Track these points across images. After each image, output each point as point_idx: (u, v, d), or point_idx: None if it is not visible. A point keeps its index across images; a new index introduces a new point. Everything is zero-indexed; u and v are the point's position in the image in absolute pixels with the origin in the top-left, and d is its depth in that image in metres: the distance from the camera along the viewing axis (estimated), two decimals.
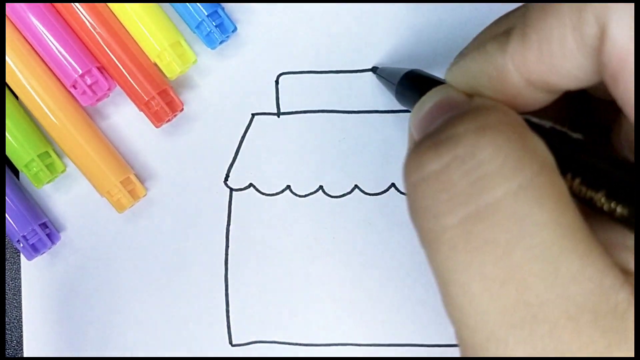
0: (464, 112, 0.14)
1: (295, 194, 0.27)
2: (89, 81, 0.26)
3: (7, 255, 0.28)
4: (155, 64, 0.26)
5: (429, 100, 0.16)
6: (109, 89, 0.26)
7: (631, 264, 0.12)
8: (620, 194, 0.12)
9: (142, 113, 0.26)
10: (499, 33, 0.15)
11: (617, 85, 0.12)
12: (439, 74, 0.26)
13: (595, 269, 0.12)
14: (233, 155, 0.27)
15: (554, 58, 0.13)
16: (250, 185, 0.27)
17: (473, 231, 0.12)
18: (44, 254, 0.28)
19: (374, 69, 0.26)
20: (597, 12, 0.12)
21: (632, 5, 0.11)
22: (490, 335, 0.12)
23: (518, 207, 0.12)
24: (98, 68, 0.26)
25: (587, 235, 0.12)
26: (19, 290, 0.28)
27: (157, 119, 0.26)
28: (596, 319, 0.11)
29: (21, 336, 0.28)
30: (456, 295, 0.12)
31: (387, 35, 0.26)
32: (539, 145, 0.13)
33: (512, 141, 0.12)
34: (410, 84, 0.20)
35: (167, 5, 0.26)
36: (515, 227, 0.12)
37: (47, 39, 0.25)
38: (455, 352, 0.26)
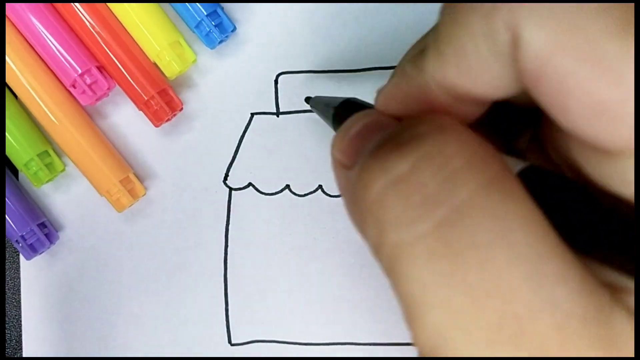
0: (419, 118, 0.13)
1: (295, 194, 0.27)
2: (88, 80, 0.26)
3: (7, 255, 0.28)
4: (155, 64, 0.26)
5: (357, 123, 0.15)
6: (108, 89, 0.26)
7: (607, 276, 0.11)
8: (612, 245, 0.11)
9: (141, 112, 0.26)
10: (415, 54, 0.14)
11: (539, 90, 0.11)
12: None
13: (576, 270, 0.11)
14: (232, 154, 0.27)
15: (472, 70, 0.12)
16: (250, 184, 0.27)
17: (451, 235, 0.11)
18: (43, 254, 0.28)
19: (307, 99, 0.25)
20: (507, 17, 0.11)
21: (545, 4, 0.11)
22: (475, 356, 0.11)
23: (492, 201, 0.11)
24: (97, 67, 0.26)
25: (558, 235, 0.11)
26: (18, 290, 0.28)
27: (157, 118, 0.26)
28: (584, 326, 0.10)
29: (20, 336, 0.28)
30: (433, 315, 0.11)
31: (387, 35, 0.26)
32: (492, 147, 0.12)
33: (473, 138, 0.12)
34: (348, 113, 0.19)
35: (166, 4, 0.26)
36: (494, 224, 0.11)
37: (46, 39, 0.25)
38: None
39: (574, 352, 0.10)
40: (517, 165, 0.12)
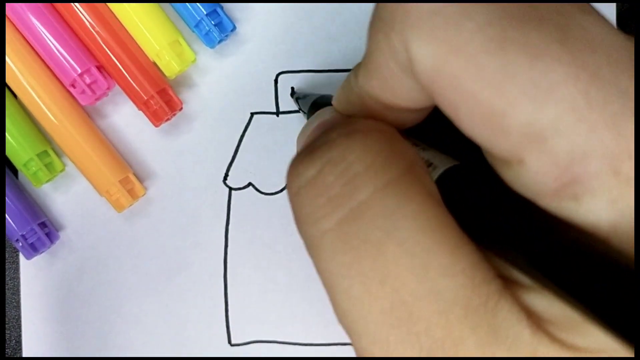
0: (337, 122, 0.14)
1: None
2: (88, 80, 0.26)
3: (6, 255, 0.28)
4: (154, 63, 0.26)
5: (315, 120, 0.16)
6: (108, 88, 0.26)
7: (509, 271, 0.12)
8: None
9: (141, 112, 0.26)
10: (357, 64, 0.15)
11: (437, 102, 0.12)
12: None
13: (467, 263, 0.12)
14: (232, 154, 0.27)
15: (387, 83, 0.13)
16: (250, 184, 0.27)
17: (349, 232, 0.12)
18: (43, 253, 0.28)
19: (292, 93, 0.26)
20: (400, 37, 0.12)
21: (430, 23, 0.11)
22: (373, 338, 0.12)
23: (386, 203, 0.12)
24: (97, 67, 0.26)
25: (457, 231, 0.12)
26: (18, 290, 0.28)
27: (156, 118, 0.26)
28: (466, 314, 0.11)
29: (20, 336, 0.28)
30: (340, 300, 0.12)
31: None
32: (407, 148, 0.13)
33: (381, 143, 0.13)
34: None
35: (166, 4, 0.26)
36: (385, 222, 0.12)
37: (46, 38, 0.25)
38: None
39: (458, 335, 0.11)
40: (444, 165, 0.14)
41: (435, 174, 0.14)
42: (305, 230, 0.13)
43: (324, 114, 0.16)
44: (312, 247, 0.13)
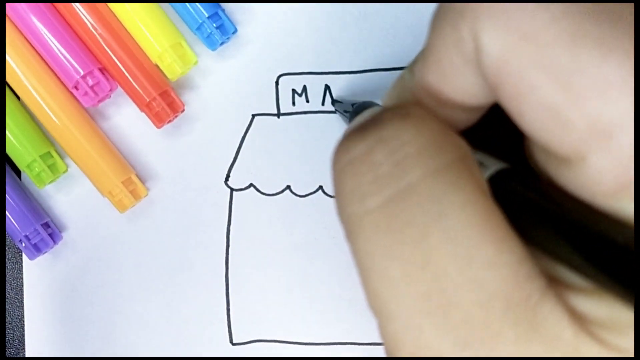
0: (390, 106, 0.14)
1: (295, 194, 0.27)
2: (90, 82, 0.26)
3: (9, 255, 0.29)
4: (157, 65, 0.26)
5: (362, 118, 0.16)
6: (110, 90, 0.26)
7: (557, 271, 0.12)
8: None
9: (143, 114, 0.27)
10: (412, 60, 0.15)
11: (499, 95, 0.12)
12: None
13: (512, 257, 0.11)
14: (233, 155, 0.28)
15: (448, 77, 0.13)
16: (251, 185, 0.27)
17: (394, 213, 0.12)
18: (46, 254, 0.28)
19: (333, 102, 0.27)
20: (470, 26, 0.12)
21: (502, 11, 0.11)
22: (406, 323, 0.12)
23: (435, 188, 0.12)
24: (100, 69, 0.26)
25: (504, 225, 0.12)
26: (21, 290, 0.29)
27: (159, 119, 0.26)
28: (507, 308, 0.11)
29: (23, 335, 0.29)
30: (376, 281, 0.12)
31: (387, 37, 0.27)
32: (459, 140, 0.13)
33: (434, 128, 0.13)
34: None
35: (167, 6, 0.27)
36: (432, 208, 0.12)
37: (49, 41, 0.26)
38: None
39: (497, 329, 0.11)
40: (496, 166, 0.13)
41: (486, 174, 0.13)
42: (347, 208, 0.13)
43: (373, 112, 0.16)
44: (351, 225, 0.13)
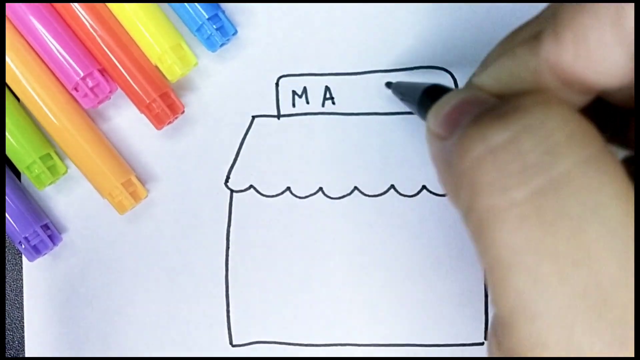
0: (524, 92, 0.13)
1: (295, 196, 0.27)
2: (90, 84, 0.26)
3: (9, 257, 0.29)
4: (157, 67, 0.26)
5: (455, 97, 0.15)
6: (110, 92, 0.26)
7: None
8: None
9: (143, 115, 0.27)
10: (526, 37, 0.14)
11: None
12: (439, 75, 0.26)
13: None
14: (233, 157, 0.27)
15: (592, 55, 0.12)
16: (251, 186, 0.27)
17: (545, 204, 0.11)
18: (46, 255, 0.28)
19: (388, 84, 0.26)
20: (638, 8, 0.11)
21: None
22: (554, 322, 0.11)
23: (589, 177, 0.11)
24: (99, 71, 0.26)
25: None
26: (21, 291, 0.29)
27: (158, 121, 0.26)
28: None
29: (23, 337, 0.29)
30: (519, 278, 0.11)
31: (388, 38, 0.27)
32: (596, 129, 0.12)
33: (576, 115, 0.12)
34: (433, 97, 0.20)
35: (167, 7, 0.27)
36: (589, 198, 0.11)
37: (48, 42, 0.25)
38: (453, 352, 0.27)
39: None
40: (620, 153, 0.13)
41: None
42: (484, 201, 0.12)
43: (463, 92, 0.15)
44: (488, 220, 0.12)
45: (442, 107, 0.15)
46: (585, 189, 0.11)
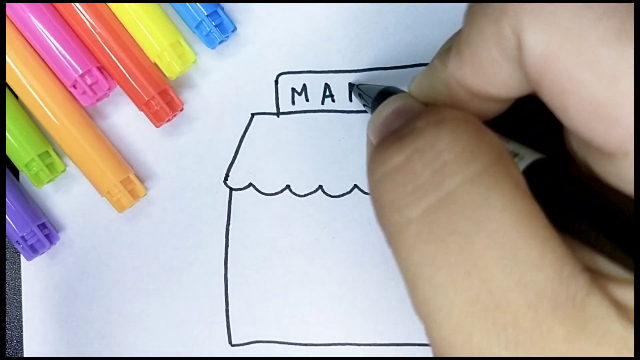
0: (423, 110, 0.14)
1: (295, 194, 0.27)
2: (89, 81, 0.26)
3: (7, 256, 0.28)
4: (155, 64, 0.26)
5: (388, 106, 0.16)
6: (109, 89, 0.26)
7: (598, 264, 0.12)
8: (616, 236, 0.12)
9: (142, 113, 0.26)
10: (445, 48, 0.15)
11: (542, 91, 0.12)
12: None
13: (555, 256, 0.11)
14: (233, 154, 0.27)
15: (485, 71, 0.13)
16: (250, 184, 0.27)
17: (436, 221, 0.12)
18: (44, 254, 0.28)
19: (350, 85, 0.26)
20: (512, 23, 0.12)
21: (546, 10, 0.11)
22: (455, 328, 0.12)
23: (475, 194, 0.12)
24: (98, 68, 0.26)
25: (545, 223, 0.12)
26: (19, 290, 0.28)
27: (157, 118, 0.26)
28: (555, 307, 0.11)
29: (21, 336, 0.28)
30: (422, 289, 0.12)
31: (387, 36, 0.27)
32: (494, 139, 0.13)
33: (469, 132, 0.13)
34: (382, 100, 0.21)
35: (166, 5, 0.26)
36: (474, 214, 0.12)
37: (47, 39, 0.25)
38: None
39: (546, 328, 0.11)
40: (531, 157, 0.13)
41: (522, 165, 0.14)
42: (387, 218, 0.13)
43: (396, 101, 0.16)
44: (393, 235, 0.13)
45: (377, 117, 0.16)
46: (470, 205, 0.12)
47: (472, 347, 0.12)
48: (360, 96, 0.25)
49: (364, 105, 0.25)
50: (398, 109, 0.16)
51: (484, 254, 0.12)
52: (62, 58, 0.25)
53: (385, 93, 0.21)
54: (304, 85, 0.27)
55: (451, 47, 0.14)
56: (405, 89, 0.26)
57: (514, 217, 0.12)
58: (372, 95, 0.22)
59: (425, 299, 0.12)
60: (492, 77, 0.13)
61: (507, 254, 0.11)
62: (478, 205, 0.12)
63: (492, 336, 0.11)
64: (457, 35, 0.14)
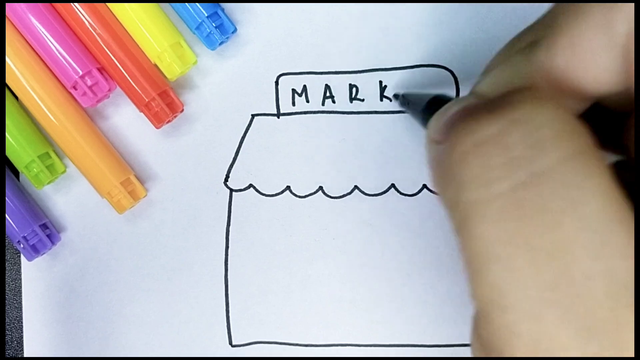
0: (518, 87, 0.13)
1: (295, 195, 0.27)
2: (89, 82, 0.26)
3: (8, 256, 0.28)
4: (156, 65, 0.26)
5: (456, 105, 0.16)
6: (109, 90, 0.26)
7: None
8: None
9: (142, 114, 0.26)
10: (522, 45, 0.15)
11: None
12: (439, 74, 0.26)
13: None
14: (233, 156, 0.27)
15: (584, 61, 0.13)
16: (250, 185, 0.27)
17: (525, 198, 0.11)
18: (44, 255, 0.28)
19: (396, 96, 0.26)
20: (628, 10, 0.12)
21: None
22: (525, 313, 0.11)
23: (572, 174, 0.11)
24: (98, 69, 0.26)
25: (631, 214, 0.11)
26: (20, 291, 0.28)
27: (158, 120, 0.26)
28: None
29: (21, 336, 0.28)
30: (494, 269, 0.12)
31: (387, 36, 0.26)
32: (585, 129, 0.12)
33: (565, 112, 0.12)
34: (436, 107, 0.21)
35: (167, 6, 0.26)
36: (569, 194, 0.11)
37: (47, 40, 0.25)
38: (453, 352, 0.26)
39: (624, 319, 0.11)
40: (609, 159, 0.13)
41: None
42: (469, 192, 0.12)
43: (462, 102, 0.16)
44: (470, 211, 0.12)
45: (442, 115, 0.16)
46: (566, 184, 0.11)
47: (540, 335, 0.11)
48: (407, 104, 0.25)
49: (407, 112, 0.25)
50: (468, 106, 0.15)
51: (573, 236, 0.11)
52: (62, 59, 0.25)
53: (440, 98, 0.21)
54: (305, 86, 0.27)
55: (537, 41, 0.14)
56: (410, 90, 0.26)
57: (608, 202, 0.11)
58: (419, 103, 0.22)
59: (495, 281, 0.12)
60: (590, 68, 0.13)
61: (597, 239, 0.11)
62: (574, 185, 0.11)
63: (564, 324, 0.11)
64: (548, 29, 0.14)
